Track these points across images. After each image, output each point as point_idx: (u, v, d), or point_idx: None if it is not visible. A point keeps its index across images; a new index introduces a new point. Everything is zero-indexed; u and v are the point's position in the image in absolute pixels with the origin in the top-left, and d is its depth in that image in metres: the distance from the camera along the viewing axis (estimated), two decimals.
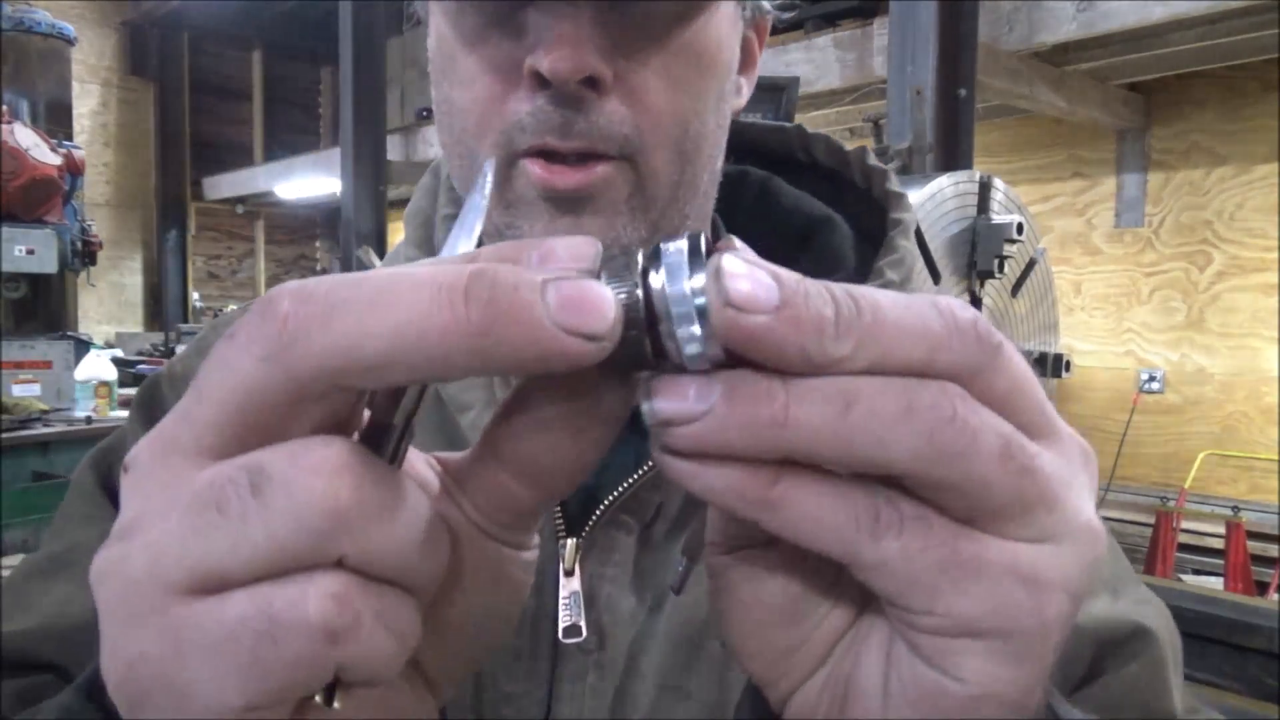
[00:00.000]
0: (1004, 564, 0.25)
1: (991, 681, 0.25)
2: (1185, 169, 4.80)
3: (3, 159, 4.61)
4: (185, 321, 8.60)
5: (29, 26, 5.64)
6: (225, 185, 9.28)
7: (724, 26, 0.52)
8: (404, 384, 0.25)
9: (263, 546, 0.23)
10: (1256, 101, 4.51)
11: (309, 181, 8.06)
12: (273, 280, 10.14)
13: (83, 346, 5.26)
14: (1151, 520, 4.00)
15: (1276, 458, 4.41)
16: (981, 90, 3.62)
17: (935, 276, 2.71)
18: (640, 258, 0.25)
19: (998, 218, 2.95)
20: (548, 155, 0.48)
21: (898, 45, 3.48)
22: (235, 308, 0.66)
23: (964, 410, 0.24)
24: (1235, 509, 3.89)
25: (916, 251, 0.61)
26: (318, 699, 0.24)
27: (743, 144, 0.66)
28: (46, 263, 4.85)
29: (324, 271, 9.81)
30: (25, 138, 4.77)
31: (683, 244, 0.25)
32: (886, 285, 0.57)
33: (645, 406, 0.25)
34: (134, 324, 9.30)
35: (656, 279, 0.24)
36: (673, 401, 0.24)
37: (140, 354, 6.93)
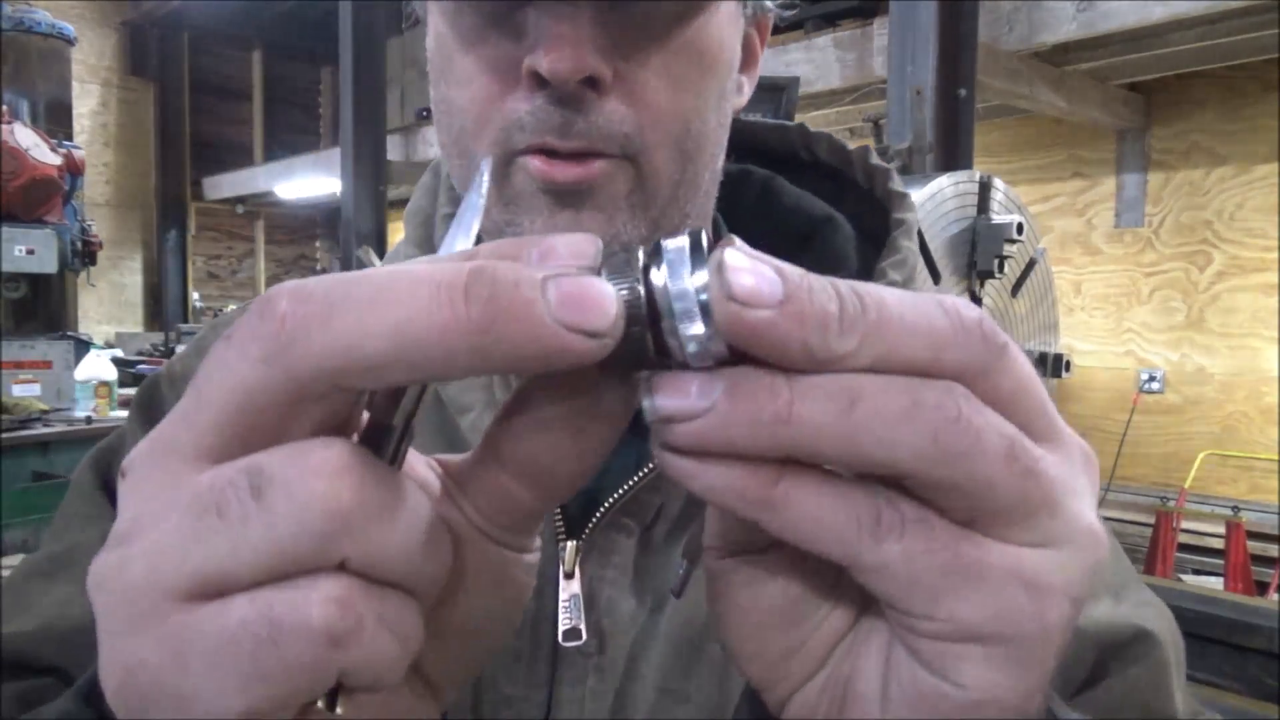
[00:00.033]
0: (1006, 568, 0.24)
1: (992, 687, 0.25)
2: (1185, 169, 4.80)
3: (3, 159, 4.61)
4: (185, 321, 8.60)
5: (29, 26, 5.64)
6: (225, 185, 9.28)
7: (725, 25, 0.52)
8: (404, 384, 0.25)
9: (263, 550, 0.23)
10: (1256, 101, 4.51)
11: (309, 181, 8.06)
12: (273, 280, 10.13)
13: (83, 346, 5.26)
14: (1151, 520, 4.00)
15: (1276, 458, 4.41)
16: (981, 90, 3.62)
17: (935, 276, 2.71)
18: (641, 254, 0.25)
19: (998, 218, 2.95)
20: (547, 153, 0.48)
21: (898, 45, 3.48)
22: (235, 307, 0.66)
23: (968, 410, 0.24)
24: (1235, 509, 3.89)
25: (919, 252, 0.60)
26: (320, 704, 0.24)
27: (744, 143, 0.65)
28: (46, 263, 4.85)
29: (324, 272, 9.81)
30: (25, 138, 4.77)
31: (684, 240, 0.24)
32: (889, 285, 0.56)
33: (646, 403, 0.24)
34: (134, 324, 9.31)
35: (658, 275, 0.24)
36: (674, 398, 0.24)
37: (140, 354, 6.93)
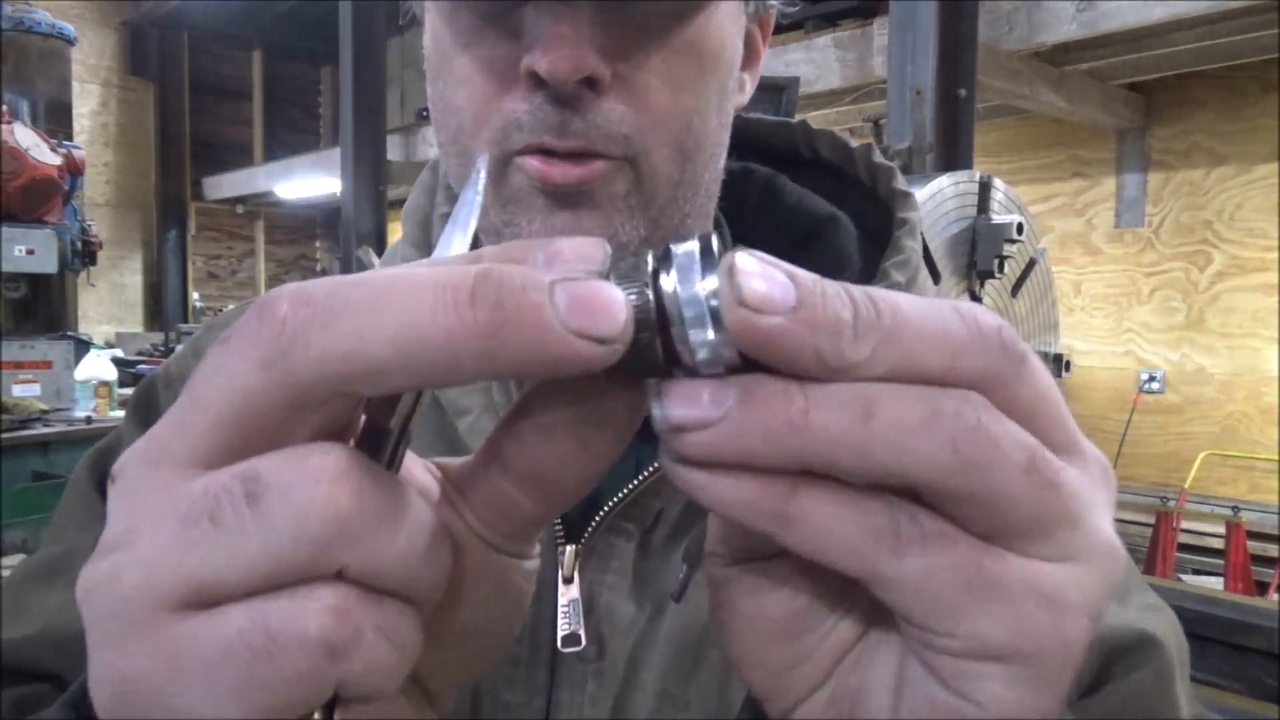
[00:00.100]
0: (1027, 584, 0.24)
1: (1010, 706, 0.24)
2: (1185, 169, 4.80)
3: (3, 159, 4.61)
4: (185, 321, 8.59)
5: (29, 26, 5.64)
6: (225, 185, 9.27)
7: (726, 23, 0.51)
8: (407, 389, 0.25)
9: (259, 559, 0.22)
10: (1256, 101, 4.51)
11: (309, 181, 8.05)
12: (273, 280, 10.14)
13: (83, 346, 5.26)
14: (1151, 520, 4.00)
15: (1276, 458, 4.41)
16: (981, 90, 3.62)
17: (935, 276, 2.71)
18: (650, 259, 0.24)
19: (998, 218, 2.95)
20: (545, 153, 0.47)
21: (898, 45, 3.48)
22: (233, 306, 0.66)
23: (988, 420, 0.23)
24: (1235, 509, 3.89)
25: (921, 251, 0.60)
26: (316, 716, 0.24)
27: (746, 140, 0.65)
28: (46, 263, 4.85)
29: (324, 272, 9.81)
30: (25, 138, 4.77)
31: (694, 244, 0.24)
32: (892, 286, 0.56)
33: (656, 412, 0.24)
34: (134, 324, 9.30)
35: (668, 280, 0.24)
36: (685, 407, 0.23)
37: (140, 354, 6.93)
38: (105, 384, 4.92)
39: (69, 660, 0.53)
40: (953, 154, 3.39)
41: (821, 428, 0.23)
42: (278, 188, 8.50)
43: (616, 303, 0.23)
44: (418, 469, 0.28)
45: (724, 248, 0.24)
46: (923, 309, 0.24)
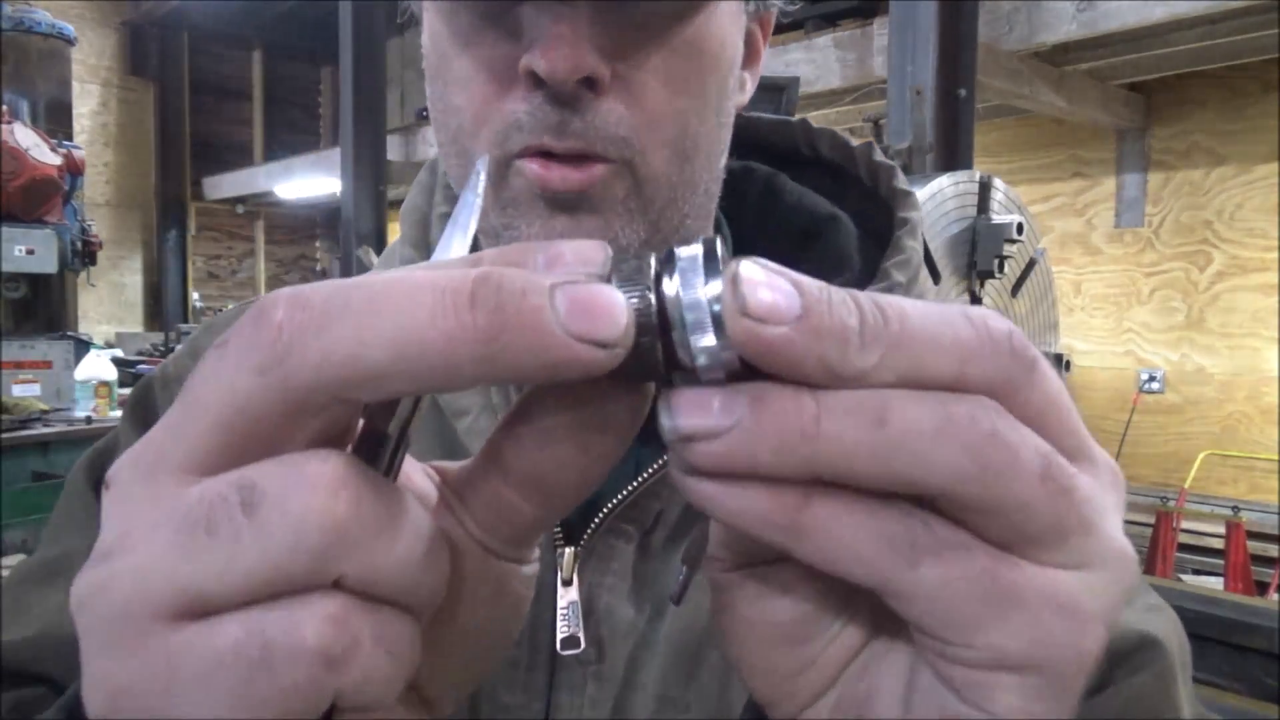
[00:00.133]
0: (1044, 593, 0.23)
1: (1024, 717, 0.24)
2: (1185, 169, 4.80)
3: (3, 159, 4.61)
4: (185, 321, 8.60)
5: (29, 26, 5.64)
6: (225, 185, 9.28)
7: (726, 23, 0.51)
8: (406, 394, 0.24)
9: (255, 568, 0.22)
10: (1256, 101, 4.51)
11: (309, 181, 8.05)
12: (273, 280, 10.14)
13: (83, 346, 5.26)
14: (1151, 520, 3.99)
15: (1276, 458, 4.41)
16: (981, 90, 3.62)
17: (935, 276, 2.71)
18: (653, 262, 0.24)
19: (998, 218, 2.95)
20: (544, 156, 0.47)
21: (898, 45, 3.48)
22: (232, 306, 0.65)
23: (1003, 426, 0.23)
24: (1235, 509, 3.89)
25: (922, 251, 0.59)
26: None
27: (746, 139, 0.64)
28: (46, 263, 4.85)
29: (324, 271, 9.82)
30: (25, 138, 4.77)
31: (697, 249, 0.24)
32: (893, 286, 0.56)
33: (666, 422, 0.23)
34: (134, 324, 9.30)
35: (670, 285, 0.23)
36: (695, 416, 0.23)
37: (140, 354, 6.93)
38: (105, 384, 4.92)
39: (67, 663, 0.53)
40: (953, 154, 3.39)
41: (835, 435, 0.22)
42: (278, 188, 8.50)
43: (618, 306, 0.22)
44: (416, 474, 0.28)
45: (727, 251, 0.24)
46: (931, 315, 0.23)
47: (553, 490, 0.26)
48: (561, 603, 0.52)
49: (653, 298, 0.23)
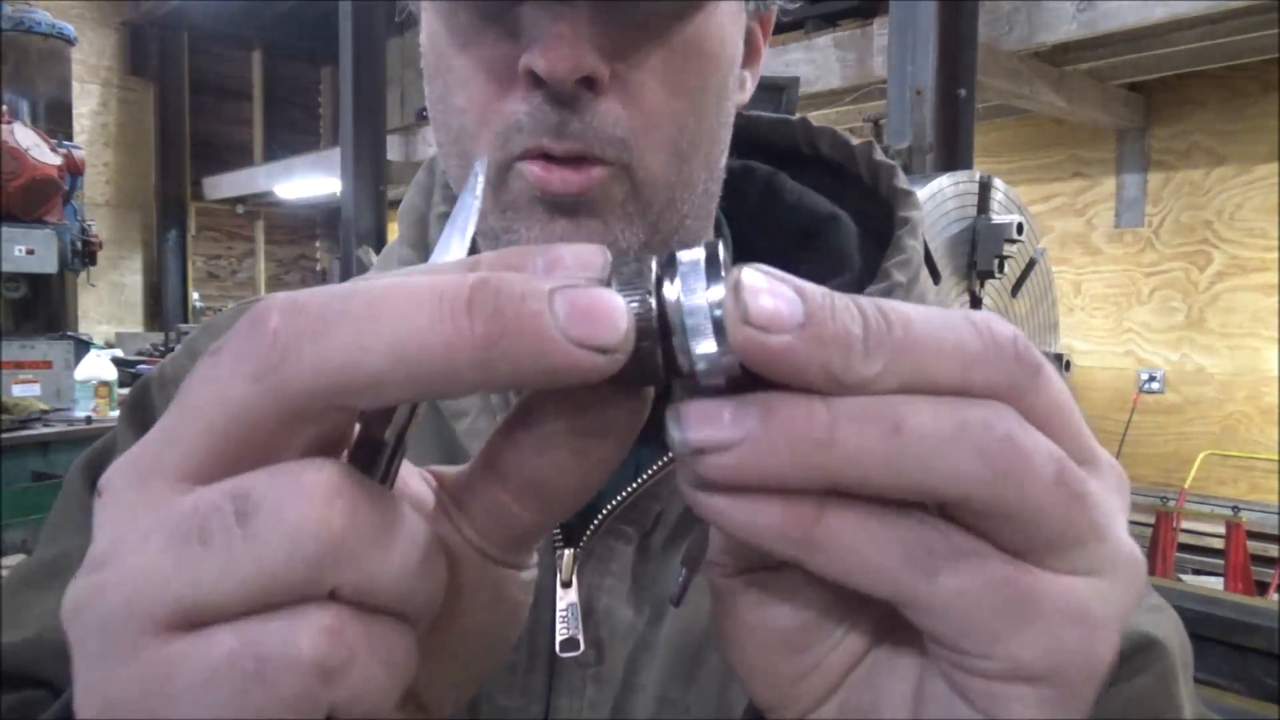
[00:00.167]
0: (1060, 602, 0.23)
1: None
2: (1185, 169, 4.80)
3: (3, 159, 4.61)
4: (185, 321, 8.60)
5: (29, 26, 5.64)
6: (225, 185, 9.28)
7: (726, 22, 0.50)
8: (404, 401, 0.24)
9: (250, 579, 0.21)
10: (1256, 101, 4.51)
11: (309, 181, 8.05)
12: (273, 280, 10.15)
13: (83, 346, 5.26)
14: (1151, 520, 3.99)
15: (1276, 458, 4.41)
16: (981, 90, 3.62)
17: (935, 276, 2.71)
18: (654, 265, 0.24)
19: (998, 218, 2.95)
20: (544, 158, 0.47)
21: (898, 45, 3.48)
22: (232, 306, 0.65)
23: (1018, 431, 0.22)
24: (1235, 509, 3.89)
25: (923, 251, 0.59)
26: None
27: (746, 138, 0.64)
28: (46, 263, 4.85)
29: (324, 271, 9.82)
30: (25, 138, 4.77)
31: (699, 253, 0.23)
32: (893, 286, 0.55)
33: (676, 435, 0.23)
34: (134, 324, 9.30)
35: (671, 289, 0.23)
36: (706, 428, 0.22)
37: (140, 354, 6.93)
38: (105, 384, 4.92)
39: (65, 666, 0.53)
40: (953, 154, 3.39)
41: (850, 443, 0.22)
42: (278, 188, 8.50)
43: (618, 311, 0.22)
44: (413, 479, 0.27)
45: (728, 255, 0.24)
46: (935, 320, 0.23)
47: (551, 496, 0.26)
48: (561, 605, 0.51)
49: (653, 302, 0.23)
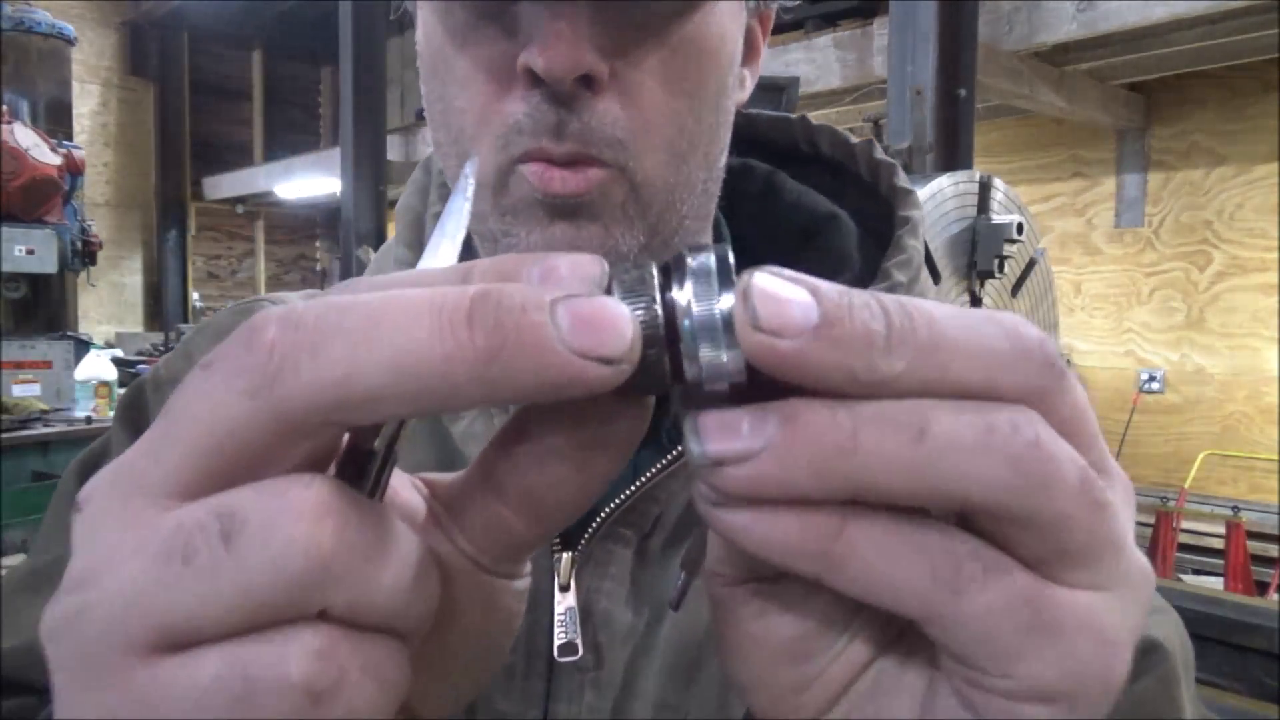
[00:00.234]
0: (1080, 621, 0.23)
1: None
2: (1185, 169, 4.80)
3: (3, 159, 4.61)
4: (185, 321, 8.61)
5: (29, 26, 5.64)
6: (225, 185, 9.27)
7: (726, 20, 0.50)
8: (403, 417, 0.23)
9: (236, 601, 0.21)
10: (1256, 101, 4.51)
11: (309, 181, 8.05)
12: (273, 280, 10.14)
13: (83, 346, 5.26)
14: (1151, 520, 3.99)
15: (1276, 458, 4.41)
16: (981, 90, 3.62)
17: (935, 276, 2.71)
18: (655, 271, 0.23)
19: (998, 218, 2.95)
20: (544, 160, 0.46)
21: (898, 45, 3.47)
22: (229, 306, 0.65)
23: (1045, 437, 0.22)
24: (1235, 509, 3.89)
25: (923, 251, 0.58)
26: None
27: (746, 136, 0.63)
28: (46, 263, 4.85)
29: (324, 271, 9.81)
30: (25, 138, 4.77)
31: (708, 258, 0.23)
32: (894, 286, 0.55)
33: (694, 448, 0.22)
34: (134, 324, 9.30)
35: (680, 295, 0.22)
36: (725, 439, 0.22)
37: (140, 354, 6.93)
38: (105, 384, 4.93)
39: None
40: (953, 154, 3.39)
41: (874, 450, 0.21)
42: (278, 188, 8.50)
43: (623, 319, 0.21)
44: (404, 489, 0.27)
45: (731, 257, 0.23)
46: (960, 320, 0.22)
47: (548, 509, 0.25)
48: (559, 609, 0.51)
49: (659, 309, 0.23)
